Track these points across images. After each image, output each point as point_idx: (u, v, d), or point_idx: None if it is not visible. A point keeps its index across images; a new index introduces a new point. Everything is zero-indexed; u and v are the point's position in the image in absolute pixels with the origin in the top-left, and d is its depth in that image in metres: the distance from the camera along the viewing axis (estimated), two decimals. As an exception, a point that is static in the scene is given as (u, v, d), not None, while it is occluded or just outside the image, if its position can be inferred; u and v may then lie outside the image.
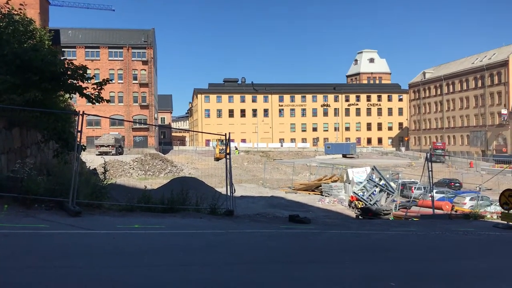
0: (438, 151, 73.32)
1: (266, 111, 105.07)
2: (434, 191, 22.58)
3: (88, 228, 8.32)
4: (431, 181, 16.78)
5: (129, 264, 6.14)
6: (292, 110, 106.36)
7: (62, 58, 14.66)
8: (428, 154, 17.26)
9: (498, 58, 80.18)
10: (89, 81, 12.53)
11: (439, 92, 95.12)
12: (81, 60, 67.32)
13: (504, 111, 76.35)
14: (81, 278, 5.25)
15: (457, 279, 6.45)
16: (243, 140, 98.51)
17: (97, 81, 12.48)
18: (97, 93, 12.37)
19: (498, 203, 15.98)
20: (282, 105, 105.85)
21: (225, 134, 12.62)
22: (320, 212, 23.44)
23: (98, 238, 7.78)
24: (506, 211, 13.28)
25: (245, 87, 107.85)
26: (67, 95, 15.18)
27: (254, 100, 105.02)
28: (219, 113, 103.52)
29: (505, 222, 13.10)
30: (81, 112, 10.03)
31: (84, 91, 12.19)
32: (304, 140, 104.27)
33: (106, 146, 60.56)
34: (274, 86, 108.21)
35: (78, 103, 32.22)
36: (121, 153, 61.89)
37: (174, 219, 10.28)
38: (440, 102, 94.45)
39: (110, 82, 12.95)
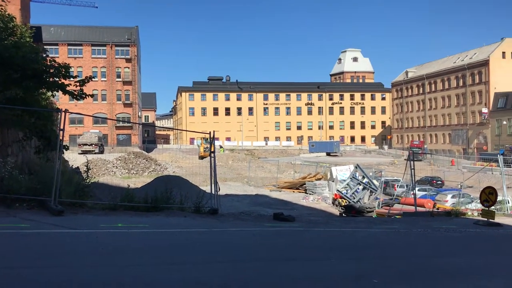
0: (415, 149, 73.88)
1: (251, 109, 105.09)
2: (417, 188, 22.84)
3: (71, 228, 8.23)
4: (413, 179, 16.99)
5: (114, 264, 6.09)
6: (277, 108, 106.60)
7: (44, 55, 14.43)
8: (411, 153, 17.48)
9: (479, 58, 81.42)
10: (72, 79, 12.38)
11: (421, 91, 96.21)
12: (63, 57, 66.42)
13: (484, 110, 77.59)
14: (66, 278, 5.19)
15: (439, 276, 6.54)
16: (228, 139, 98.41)
17: (79, 78, 12.34)
18: (80, 89, 12.23)
19: (478, 201, 16.22)
20: (266, 104, 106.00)
21: (210, 132, 12.59)
22: (304, 210, 23.52)
23: (81, 237, 7.70)
24: (487, 208, 13.49)
25: (229, 86, 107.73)
26: (49, 93, 14.96)
27: (238, 99, 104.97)
28: (204, 111, 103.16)
29: (486, 219, 13.30)
30: (63, 110, 9.90)
31: (67, 88, 12.04)
32: (288, 138, 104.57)
33: (89, 145, 59.59)
34: (259, 85, 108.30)
35: (61, 100, 31.75)
36: (102, 152, 61.07)
37: (158, 218, 10.21)
38: (422, 101, 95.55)
39: (93, 80, 12.82)
